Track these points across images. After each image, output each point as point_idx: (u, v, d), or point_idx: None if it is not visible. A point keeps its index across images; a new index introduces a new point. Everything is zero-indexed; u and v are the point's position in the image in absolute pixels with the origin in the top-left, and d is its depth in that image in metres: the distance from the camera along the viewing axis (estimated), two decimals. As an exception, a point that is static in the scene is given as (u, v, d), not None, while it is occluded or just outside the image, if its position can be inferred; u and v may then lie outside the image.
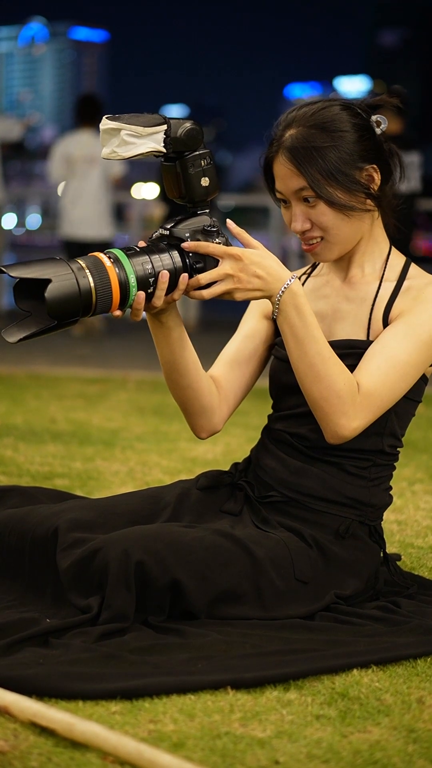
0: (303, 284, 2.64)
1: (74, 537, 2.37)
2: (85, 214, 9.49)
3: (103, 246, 7.59)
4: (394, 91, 9.37)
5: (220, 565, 2.33)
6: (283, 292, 2.36)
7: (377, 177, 2.47)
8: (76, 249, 9.21)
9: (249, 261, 2.34)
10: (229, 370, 2.63)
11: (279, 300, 2.37)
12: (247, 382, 2.65)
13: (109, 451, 4.58)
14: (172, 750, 1.83)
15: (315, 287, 2.62)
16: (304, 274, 2.68)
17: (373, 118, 2.49)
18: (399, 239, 2.64)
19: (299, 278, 2.65)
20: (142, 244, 2.35)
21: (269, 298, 2.37)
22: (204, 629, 2.29)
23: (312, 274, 2.66)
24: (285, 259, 12.78)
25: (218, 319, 12.14)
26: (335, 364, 2.39)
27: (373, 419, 2.43)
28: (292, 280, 2.37)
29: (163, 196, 10.19)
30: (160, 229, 2.40)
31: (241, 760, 1.81)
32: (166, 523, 2.45)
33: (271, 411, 2.65)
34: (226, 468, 2.69)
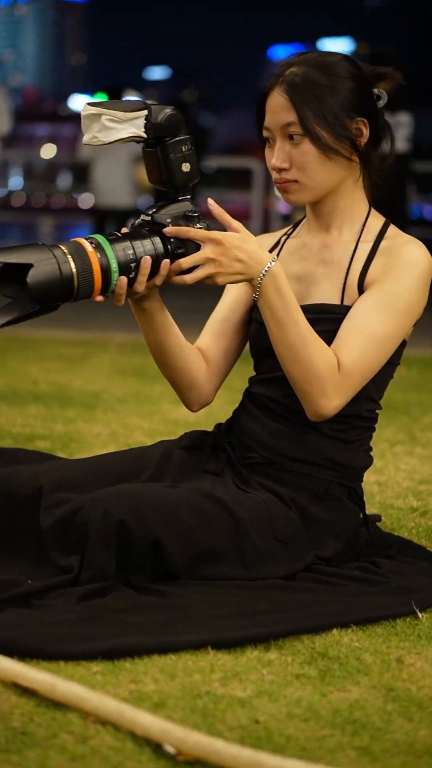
0: (282, 246, 2.64)
1: (59, 497, 2.38)
2: (113, 186, 10.76)
3: (130, 212, 9.68)
4: (381, 53, 9.33)
5: (201, 525, 2.34)
6: (264, 274, 2.36)
7: (366, 132, 2.46)
8: (107, 215, 10.69)
9: (230, 245, 2.34)
10: (215, 341, 2.63)
11: (260, 283, 2.37)
12: (234, 351, 2.65)
13: (90, 413, 4.58)
14: (152, 710, 1.84)
15: (293, 249, 2.61)
16: (284, 235, 2.67)
17: (375, 91, 2.49)
18: (391, 202, 2.63)
19: (279, 239, 2.65)
20: (125, 230, 2.36)
21: (251, 281, 2.37)
22: (185, 589, 2.30)
23: (291, 235, 2.65)
24: (268, 221, 12.75)
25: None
26: (315, 346, 2.38)
27: (353, 394, 2.43)
28: (273, 263, 2.37)
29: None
30: (142, 215, 2.40)
31: (221, 720, 1.82)
32: (147, 483, 2.45)
33: (253, 373, 2.65)
34: (209, 429, 2.69)
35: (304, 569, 2.45)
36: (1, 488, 2.46)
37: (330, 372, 2.38)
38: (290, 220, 10.13)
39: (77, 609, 2.15)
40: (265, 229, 12.64)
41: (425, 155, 11.86)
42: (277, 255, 2.62)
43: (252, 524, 2.40)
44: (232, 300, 2.64)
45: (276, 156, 2.46)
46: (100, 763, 1.66)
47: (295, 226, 2.67)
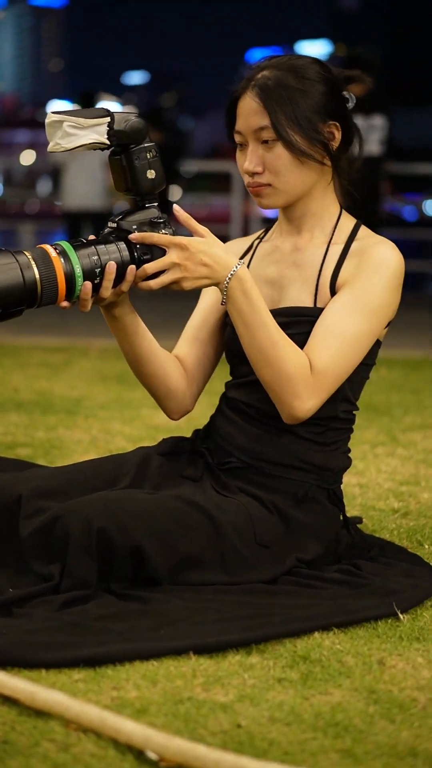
0: (255, 249, 2.64)
1: (38, 505, 2.37)
2: (85, 189, 10.77)
3: (106, 215, 9.39)
4: (357, 55, 9.34)
5: (181, 531, 2.34)
6: (230, 278, 2.37)
7: (338, 135, 2.47)
8: (78, 218, 10.67)
9: (195, 249, 2.35)
10: (192, 348, 2.64)
11: (227, 286, 2.37)
12: (211, 357, 2.65)
13: (71, 420, 4.58)
14: (135, 716, 1.84)
15: (266, 252, 2.62)
16: (257, 238, 2.68)
17: (344, 94, 2.49)
18: (363, 206, 2.64)
19: (252, 243, 2.65)
20: (92, 237, 2.38)
21: (217, 285, 2.38)
22: (166, 595, 2.30)
23: (264, 239, 2.66)
24: (247, 225, 12.76)
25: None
26: (285, 348, 2.39)
27: (327, 396, 2.43)
28: (239, 266, 2.37)
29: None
30: (109, 222, 2.42)
31: (203, 725, 1.82)
32: (127, 490, 2.45)
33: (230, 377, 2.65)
34: (189, 435, 2.69)
35: (285, 573, 2.46)
36: (-21, 497, 2.45)
37: (301, 373, 2.39)
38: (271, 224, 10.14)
39: (58, 617, 2.15)
40: (245, 232, 12.65)
41: (401, 156, 11.90)
42: (250, 259, 2.62)
43: (233, 529, 2.40)
44: (206, 306, 2.65)
45: (249, 160, 2.47)
46: (83, 770, 1.66)
47: (267, 230, 2.68)
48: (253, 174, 2.47)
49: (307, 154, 2.44)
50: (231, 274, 2.37)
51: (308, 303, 2.50)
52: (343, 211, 2.56)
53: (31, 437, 4.18)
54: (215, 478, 2.53)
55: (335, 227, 2.54)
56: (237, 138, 2.50)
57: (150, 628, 2.16)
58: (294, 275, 2.54)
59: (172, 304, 5.25)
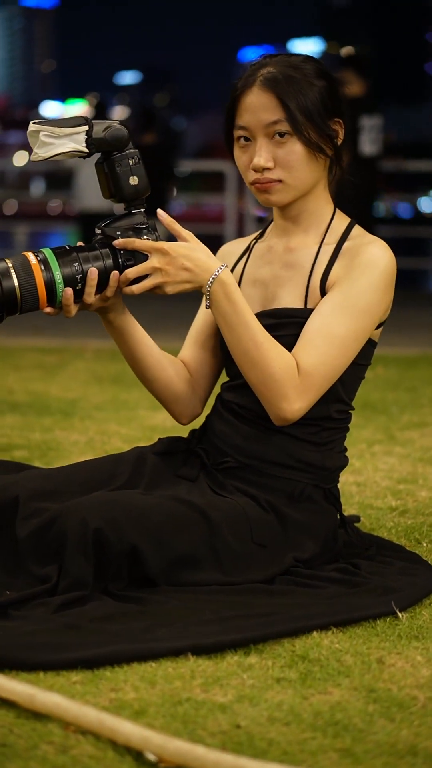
0: (251, 249, 2.64)
1: (34, 507, 2.37)
2: (96, 192, 10.60)
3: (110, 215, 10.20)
4: (348, 54, 9.34)
5: (176, 530, 2.34)
6: (212, 282, 2.38)
7: (341, 133, 2.47)
8: (90, 219, 10.79)
9: (176, 254, 2.37)
10: (196, 352, 2.64)
11: (209, 290, 2.38)
12: (215, 360, 2.65)
13: (67, 421, 4.57)
14: (133, 718, 1.84)
15: (260, 253, 2.62)
16: (254, 239, 2.67)
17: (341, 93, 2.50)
18: (360, 205, 2.64)
19: (250, 243, 2.65)
20: (80, 244, 2.41)
21: (200, 289, 2.38)
22: (164, 596, 2.29)
23: (260, 239, 2.65)
24: (242, 224, 12.75)
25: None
26: (270, 349, 2.39)
27: (317, 397, 2.43)
28: (221, 270, 2.38)
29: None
30: (96, 228, 2.45)
31: (202, 726, 1.82)
32: (123, 490, 2.45)
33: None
34: (186, 435, 2.69)
35: (282, 572, 2.45)
36: (-25, 499, 2.45)
37: (288, 375, 2.38)
38: (264, 223, 10.15)
39: (56, 619, 2.15)
40: (239, 231, 12.65)
41: (393, 152, 11.91)
42: (247, 259, 2.62)
43: (229, 528, 2.40)
44: (207, 310, 2.65)
45: (259, 155, 2.44)
46: (82, 773, 1.66)
47: (264, 230, 2.67)
48: (263, 170, 2.46)
49: (319, 148, 2.43)
50: (213, 278, 2.38)
51: (299, 304, 2.49)
52: (337, 211, 2.55)
53: (27, 439, 4.17)
54: (211, 477, 2.53)
55: (328, 227, 2.53)
56: (241, 133, 2.47)
57: (147, 629, 2.15)
58: (285, 276, 2.53)
59: (159, 305, 5.25)
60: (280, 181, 2.46)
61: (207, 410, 2.68)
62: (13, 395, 5.22)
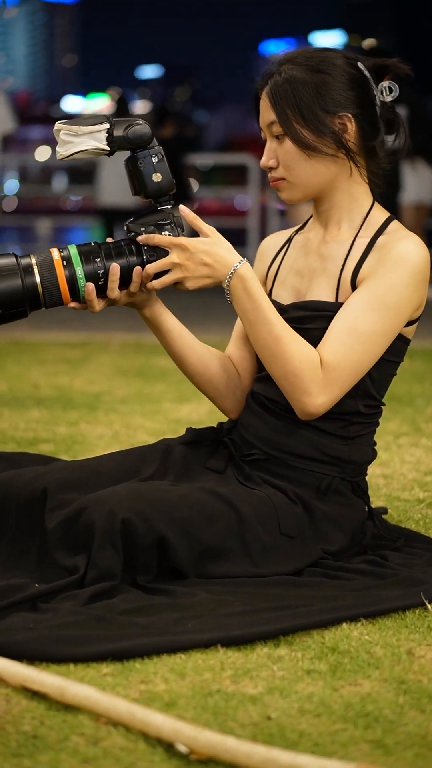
0: (291, 241, 2.63)
1: (62, 498, 2.38)
2: (118, 188, 10.91)
3: (135, 212, 10.37)
4: (370, 47, 9.33)
5: (205, 522, 2.34)
6: (230, 276, 2.40)
7: (351, 127, 2.45)
8: (112, 215, 11.20)
9: (195, 249, 2.40)
10: (241, 347, 2.66)
11: (228, 285, 2.40)
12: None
13: (92, 415, 4.58)
14: (164, 709, 1.84)
15: (299, 245, 2.62)
16: (295, 231, 2.67)
17: (385, 83, 2.47)
18: (385, 196, 2.62)
19: (290, 235, 2.65)
20: (109, 240, 2.46)
21: (220, 283, 2.41)
22: (192, 588, 2.29)
23: (301, 231, 2.65)
24: (264, 217, 12.74)
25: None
26: (290, 343, 2.39)
27: (342, 393, 2.42)
28: (240, 264, 2.40)
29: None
30: (124, 225, 2.50)
31: (233, 717, 1.82)
32: (151, 481, 2.45)
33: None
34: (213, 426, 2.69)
35: (311, 564, 2.45)
36: (3, 491, 2.46)
37: (309, 369, 2.38)
38: (288, 217, 10.12)
39: (85, 611, 2.15)
40: (262, 224, 12.64)
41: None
42: (286, 251, 2.61)
43: (257, 519, 2.40)
44: None
45: (264, 154, 2.50)
46: (113, 764, 1.66)
47: (306, 222, 2.67)
48: (270, 168, 2.49)
49: (313, 147, 2.43)
50: (231, 273, 2.39)
51: (330, 298, 2.49)
52: (376, 204, 2.54)
53: (53, 433, 4.18)
54: (239, 469, 2.53)
55: (364, 220, 2.51)
56: (261, 133, 2.52)
57: (177, 621, 2.15)
58: (319, 268, 2.53)
59: (188, 299, 5.24)
60: (283, 179, 2.49)
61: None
62: (39, 390, 5.23)
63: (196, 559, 2.34)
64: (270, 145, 2.49)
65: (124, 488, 2.35)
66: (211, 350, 2.61)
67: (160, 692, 1.90)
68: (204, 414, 4.52)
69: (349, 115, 2.44)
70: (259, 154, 2.59)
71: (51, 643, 2.02)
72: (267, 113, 2.47)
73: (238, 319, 2.67)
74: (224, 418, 2.70)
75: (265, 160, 2.50)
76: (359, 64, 2.47)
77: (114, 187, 10.90)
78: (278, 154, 2.47)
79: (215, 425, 2.68)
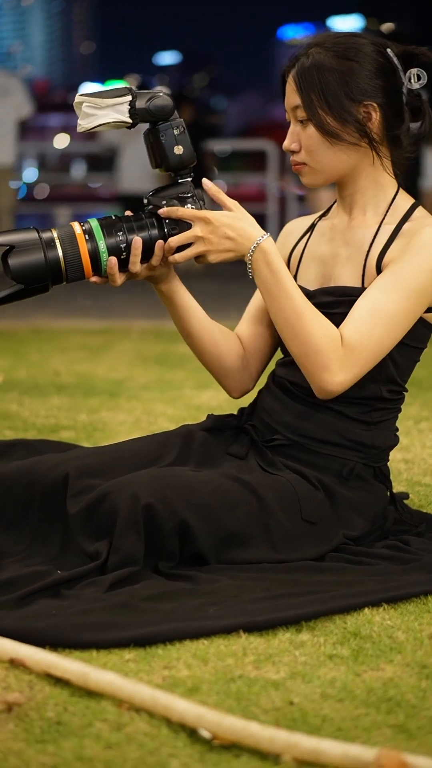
0: (315, 227, 2.62)
1: (84, 483, 2.38)
2: (139, 173, 10.97)
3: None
4: (388, 30, 9.29)
5: (227, 508, 2.34)
6: (253, 250, 2.39)
7: (376, 116, 2.43)
8: (133, 200, 10.82)
9: (219, 223, 2.39)
10: (252, 328, 2.65)
11: (250, 259, 2.39)
12: (274, 336, 2.65)
13: (114, 402, 4.59)
14: (186, 695, 1.84)
15: (324, 230, 2.61)
16: (318, 217, 2.66)
17: (413, 70, 2.45)
18: (406, 180, 2.61)
19: (314, 221, 2.64)
20: (128, 213, 2.44)
21: (242, 257, 2.40)
22: (214, 574, 2.30)
23: (325, 217, 2.65)
24: (284, 202, 12.72)
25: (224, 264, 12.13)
26: (311, 319, 2.38)
27: (361, 372, 2.41)
28: (263, 238, 2.39)
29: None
30: (144, 198, 2.48)
31: (255, 703, 1.82)
32: (173, 467, 2.46)
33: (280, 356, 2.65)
34: (234, 412, 2.69)
35: (333, 550, 2.45)
36: (25, 478, 2.47)
37: (330, 345, 2.37)
38: (308, 203, 10.11)
39: (107, 597, 2.16)
40: (282, 210, 12.62)
41: None
42: (309, 236, 2.61)
43: (278, 505, 2.40)
44: None
45: (287, 137, 2.49)
46: (136, 750, 1.66)
47: (329, 208, 2.66)
48: (292, 152, 2.49)
49: (334, 134, 2.42)
50: (254, 247, 2.38)
51: (356, 283, 2.48)
52: (401, 191, 2.53)
53: (74, 420, 4.19)
54: (260, 455, 2.53)
55: (389, 207, 2.51)
56: (286, 116, 2.51)
57: (199, 607, 2.16)
58: (344, 254, 2.53)
59: (210, 285, 5.24)
60: (304, 164, 2.48)
61: (259, 385, 2.68)
62: (60, 377, 5.24)
63: (218, 545, 2.34)
64: (293, 128, 2.48)
65: (147, 474, 2.35)
66: (222, 329, 2.61)
67: (183, 678, 1.91)
68: (224, 400, 4.52)
69: (374, 104, 2.43)
70: (278, 140, 2.59)
71: (74, 630, 2.03)
72: (292, 96, 2.46)
73: (253, 299, 2.67)
74: (244, 405, 2.70)
75: (288, 143, 2.49)
76: (388, 50, 2.45)
77: (134, 173, 10.88)
78: (301, 138, 2.47)
79: (236, 411, 2.68)
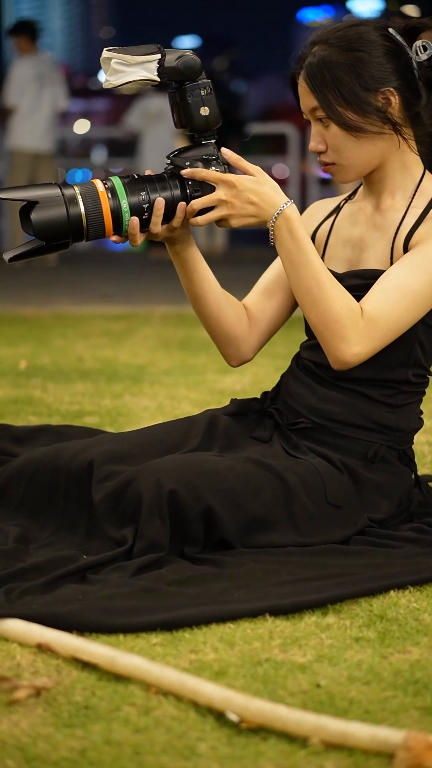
0: (340, 209, 2.62)
1: (109, 469, 2.39)
2: (160, 159, 10.62)
3: None
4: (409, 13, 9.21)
5: (251, 492, 2.34)
6: (276, 217, 2.37)
7: (395, 100, 2.42)
8: None
9: (243, 187, 2.36)
10: (261, 299, 2.63)
11: (273, 225, 2.37)
12: (281, 312, 2.64)
13: (137, 387, 4.59)
14: (213, 679, 1.85)
15: (350, 213, 2.60)
16: (344, 199, 2.65)
17: (418, 43, 2.43)
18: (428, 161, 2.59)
19: (339, 203, 2.63)
20: (149, 172, 2.40)
21: (265, 223, 2.38)
22: (239, 558, 2.30)
23: (350, 200, 2.63)
24: (305, 186, 12.69)
25: (245, 249, 12.11)
26: (332, 289, 2.37)
27: (379, 346, 2.40)
28: (286, 205, 2.37)
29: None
30: (166, 159, 2.43)
31: (282, 686, 1.82)
32: (197, 453, 2.46)
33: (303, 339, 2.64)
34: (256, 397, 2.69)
35: (358, 533, 2.45)
36: (50, 464, 2.48)
37: (350, 315, 2.36)
38: (331, 185, 10.08)
39: (133, 582, 2.16)
40: (303, 193, 12.59)
41: None
42: (334, 219, 2.60)
43: (303, 489, 2.40)
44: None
45: (312, 139, 2.47)
46: (164, 733, 1.67)
47: (355, 191, 2.65)
48: (318, 153, 2.47)
49: (359, 128, 2.41)
50: (278, 213, 2.37)
51: (384, 266, 2.47)
52: (427, 173, 2.51)
53: (98, 405, 4.20)
54: (285, 438, 2.53)
55: (417, 189, 2.50)
56: (304, 116, 2.50)
57: (225, 591, 2.16)
58: (373, 237, 2.52)
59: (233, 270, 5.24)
60: (333, 163, 2.47)
61: (281, 369, 2.67)
62: (83, 363, 5.24)
63: (243, 529, 2.35)
64: (316, 128, 2.46)
65: (171, 460, 2.35)
66: (230, 297, 2.60)
67: (210, 661, 1.91)
68: (247, 384, 4.52)
69: (392, 89, 2.41)
70: (298, 123, 2.57)
71: (100, 614, 2.03)
72: (307, 98, 2.44)
73: (266, 272, 2.66)
74: (267, 388, 2.69)
75: (314, 145, 2.46)
76: (390, 30, 2.44)
77: (155, 159, 10.90)
78: (326, 137, 2.44)
79: (259, 396, 2.67)
